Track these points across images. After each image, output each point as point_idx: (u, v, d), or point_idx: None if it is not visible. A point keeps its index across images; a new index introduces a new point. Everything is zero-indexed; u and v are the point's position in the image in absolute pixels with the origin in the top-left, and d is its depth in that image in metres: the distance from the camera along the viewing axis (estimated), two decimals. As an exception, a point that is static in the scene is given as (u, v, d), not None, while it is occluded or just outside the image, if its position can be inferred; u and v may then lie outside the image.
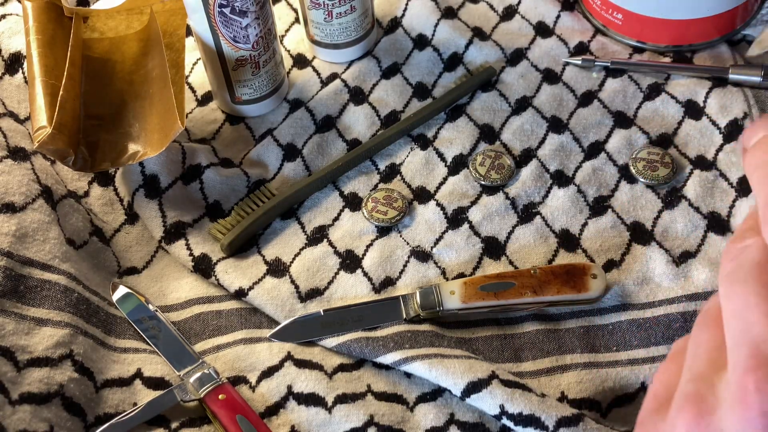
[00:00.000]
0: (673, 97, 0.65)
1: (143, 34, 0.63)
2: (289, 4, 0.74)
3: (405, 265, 0.58)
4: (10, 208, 0.54)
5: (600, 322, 0.54)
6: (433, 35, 0.70)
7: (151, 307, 0.56)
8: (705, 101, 0.64)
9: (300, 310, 0.56)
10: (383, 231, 0.60)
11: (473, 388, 0.49)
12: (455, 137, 0.64)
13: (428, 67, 0.69)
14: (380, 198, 0.60)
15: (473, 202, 0.61)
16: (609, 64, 0.67)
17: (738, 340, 0.30)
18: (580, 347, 0.53)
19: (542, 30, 0.71)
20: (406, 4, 0.72)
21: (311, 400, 0.51)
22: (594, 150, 0.63)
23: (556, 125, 0.64)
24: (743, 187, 0.59)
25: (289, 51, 0.71)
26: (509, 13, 0.72)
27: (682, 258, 0.56)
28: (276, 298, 0.56)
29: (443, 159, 0.63)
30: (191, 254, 0.58)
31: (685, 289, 0.54)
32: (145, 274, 0.59)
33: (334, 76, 0.68)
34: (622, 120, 0.64)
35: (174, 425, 0.51)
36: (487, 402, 0.49)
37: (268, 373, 0.53)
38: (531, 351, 0.54)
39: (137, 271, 0.59)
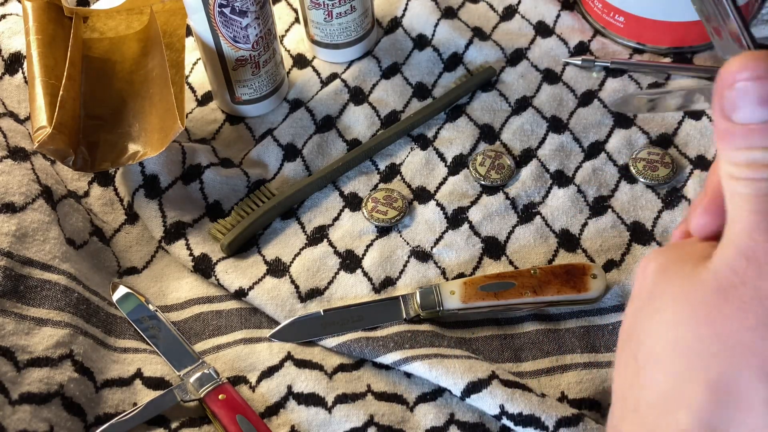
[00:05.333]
0: (673, 97, 0.65)
1: (143, 34, 0.63)
2: (289, 4, 0.74)
3: (405, 265, 0.58)
4: (10, 208, 0.54)
5: (600, 322, 0.54)
6: (433, 35, 0.70)
7: (151, 307, 0.56)
8: (705, 101, 0.64)
9: (300, 310, 0.56)
10: (383, 231, 0.60)
11: (473, 388, 0.49)
12: (455, 137, 0.64)
13: (428, 67, 0.69)
14: (380, 198, 0.60)
15: (473, 202, 0.61)
16: (609, 64, 0.67)
17: None
18: (580, 347, 0.53)
19: (542, 30, 0.71)
20: (406, 4, 0.72)
21: (311, 400, 0.51)
22: (594, 150, 0.63)
23: (556, 125, 0.64)
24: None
25: (289, 51, 0.71)
26: (509, 13, 0.72)
27: (682, 258, 0.56)
28: (276, 298, 0.56)
29: (443, 159, 0.63)
30: (191, 254, 0.58)
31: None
32: (145, 274, 0.59)
33: (334, 76, 0.68)
34: (622, 120, 0.64)
35: (174, 425, 0.51)
36: (487, 402, 0.49)
37: (268, 373, 0.53)
38: (531, 351, 0.54)
39: (137, 271, 0.59)
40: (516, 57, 0.69)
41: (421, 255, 0.58)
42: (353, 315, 0.55)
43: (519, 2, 0.73)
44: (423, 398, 0.52)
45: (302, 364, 0.53)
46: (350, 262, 0.58)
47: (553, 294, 0.54)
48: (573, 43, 0.70)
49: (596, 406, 0.51)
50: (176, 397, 0.51)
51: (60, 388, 0.49)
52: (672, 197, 0.60)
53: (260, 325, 0.56)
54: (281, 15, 0.73)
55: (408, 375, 0.53)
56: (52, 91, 0.56)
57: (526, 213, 0.60)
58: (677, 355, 0.29)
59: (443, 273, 0.57)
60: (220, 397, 0.51)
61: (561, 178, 0.62)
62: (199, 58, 0.70)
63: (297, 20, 0.73)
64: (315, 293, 0.56)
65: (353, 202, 0.61)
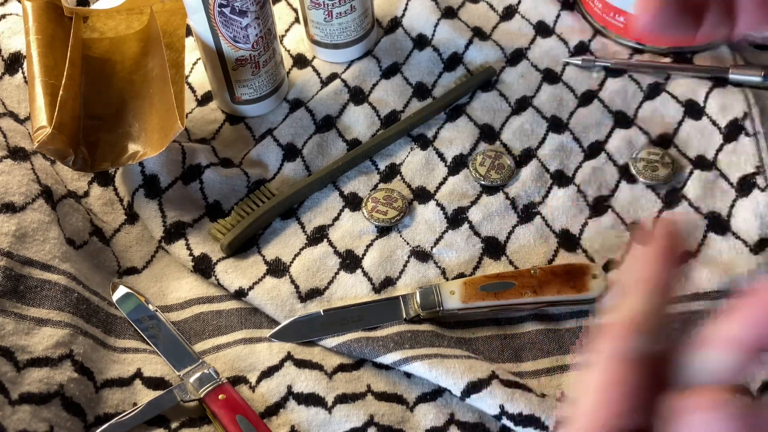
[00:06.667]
0: (673, 97, 0.65)
1: (143, 34, 0.63)
2: (289, 4, 0.74)
3: (405, 265, 0.58)
4: (10, 208, 0.54)
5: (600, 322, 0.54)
6: (433, 35, 0.70)
7: (151, 307, 0.56)
8: (705, 101, 0.64)
9: (300, 310, 0.56)
10: (383, 231, 0.60)
11: (473, 388, 0.49)
12: (455, 137, 0.64)
13: (428, 67, 0.69)
14: (380, 198, 0.60)
15: (473, 202, 0.61)
16: (609, 64, 0.67)
17: None
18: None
19: (542, 30, 0.71)
20: (406, 4, 0.72)
21: (311, 400, 0.51)
22: (594, 150, 0.63)
23: (556, 125, 0.64)
24: (743, 187, 0.59)
25: (289, 51, 0.71)
26: (509, 12, 0.72)
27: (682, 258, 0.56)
28: (276, 298, 0.56)
29: (443, 159, 0.63)
30: (191, 254, 0.58)
31: (684, 289, 0.54)
32: (145, 274, 0.59)
33: (334, 76, 0.68)
34: (622, 120, 0.64)
35: (174, 425, 0.51)
36: (487, 402, 0.49)
37: (268, 373, 0.53)
38: (531, 351, 0.54)
39: (137, 271, 0.59)
40: (516, 57, 0.69)
41: (421, 255, 0.58)
42: (353, 315, 0.55)
43: (519, 2, 0.73)
44: (423, 398, 0.52)
45: (302, 364, 0.53)
46: (350, 262, 0.58)
47: (553, 294, 0.54)
48: (573, 43, 0.70)
49: (596, 406, 0.51)
50: (176, 397, 0.51)
51: (60, 388, 0.49)
52: (672, 197, 0.60)
53: (260, 325, 0.56)
54: (281, 15, 0.73)
55: (408, 375, 0.53)
56: (52, 91, 0.56)
57: (526, 213, 0.60)
58: None
59: (443, 273, 0.57)
60: (220, 397, 0.51)
61: (561, 178, 0.62)
62: (199, 58, 0.70)
63: (297, 20, 0.73)
64: (315, 293, 0.56)
65: (353, 202, 0.61)
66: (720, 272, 0.54)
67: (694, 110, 0.64)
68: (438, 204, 0.60)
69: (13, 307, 0.51)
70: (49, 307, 0.52)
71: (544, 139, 0.64)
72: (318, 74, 0.69)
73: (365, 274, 0.57)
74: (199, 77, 0.69)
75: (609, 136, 0.64)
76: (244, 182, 0.62)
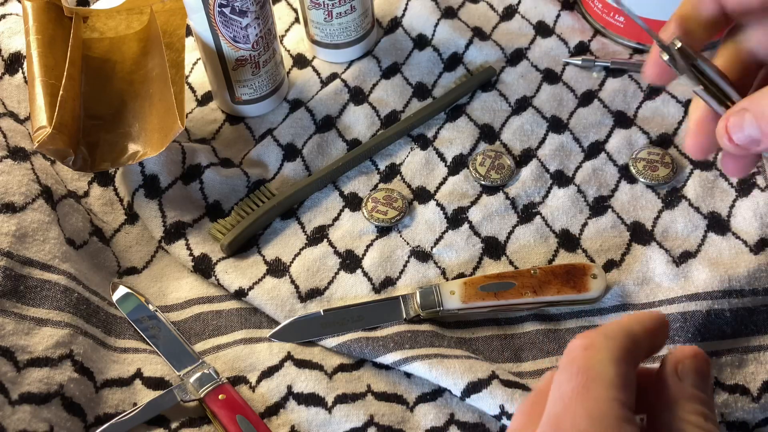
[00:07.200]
0: (673, 96, 0.65)
1: (143, 34, 0.63)
2: (289, 4, 0.74)
3: (405, 265, 0.58)
4: (10, 208, 0.54)
5: (600, 322, 0.54)
6: (433, 35, 0.70)
7: (151, 307, 0.56)
8: (705, 101, 0.64)
9: (300, 310, 0.56)
10: (383, 231, 0.60)
11: (473, 388, 0.49)
12: (455, 137, 0.64)
13: (428, 67, 0.69)
14: (380, 198, 0.60)
15: (473, 202, 0.61)
16: (609, 64, 0.67)
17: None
18: (580, 347, 0.53)
19: (542, 30, 0.71)
20: (406, 4, 0.72)
21: (311, 400, 0.51)
22: (594, 150, 0.63)
23: (556, 125, 0.64)
24: (743, 187, 0.59)
25: (289, 51, 0.71)
26: (509, 13, 0.72)
27: (682, 258, 0.56)
28: (276, 298, 0.56)
29: (443, 159, 0.63)
30: (191, 254, 0.58)
31: (685, 289, 0.54)
32: (145, 274, 0.59)
33: (334, 76, 0.68)
34: (623, 120, 0.64)
35: (174, 425, 0.51)
36: (487, 402, 0.49)
37: (268, 373, 0.53)
38: (531, 351, 0.54)
39: (137, 271, 0.59)
40: (516, 57, 0.69)
41: (421, 255, 0.58)
42: (353, 315, 0.55)
43: (519, 2, 0.73)
44: (423, 398, 0.52)
45: (302, 364, 0.53)
46: (350, 262, 0.58)
47: (553, 294, 0.54)
48: (573, 43, 0.70)
49: (596, 406, 0.51)
50: (176, 397, 0.51)
51: (60, 388, 0.49)
52: (672, 197, 0.60)
53: (260, 325, 0.56)
54: (281, 15, 0.73)
55: (408, 375, 0.53)
56: (52, 91, 0.56)
57: (526, 213, 0.60)
58: None
59: (443, 273, 0.57)
60: (220, 397, 0.51)
61: (561, 178, 0.62)
62: (199, 58, 0.70)
63: (297, 20, 0.73)
64: (315, 293, 0.56)
65: (353, 202, 0.61)
66: (720, 272, 0.54)
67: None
68: (438, 204, 0.60)
69: (13, 307, 0.51)
70: (49, 307, 0.52)
71: (544, 139, 0.64)
72: (318, 74, 0.69)
73: (365, 274, 0.57)
74: (199, 77, 0.69)
75: (609, 136, 0.64)
76: (244, 182, 0.62)
